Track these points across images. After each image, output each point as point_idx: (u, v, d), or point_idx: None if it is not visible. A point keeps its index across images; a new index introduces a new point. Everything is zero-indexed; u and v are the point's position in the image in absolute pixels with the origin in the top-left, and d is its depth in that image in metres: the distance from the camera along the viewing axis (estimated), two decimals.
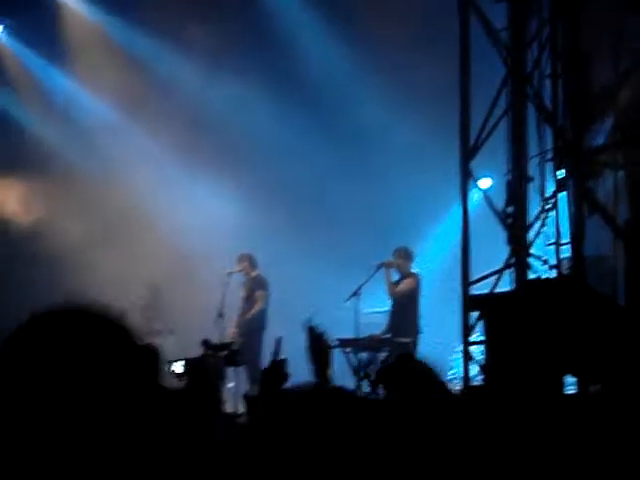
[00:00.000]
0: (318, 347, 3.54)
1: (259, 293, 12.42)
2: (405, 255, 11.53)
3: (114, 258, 13.77)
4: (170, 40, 14.27)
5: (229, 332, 12.26)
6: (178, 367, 8.76)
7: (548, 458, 5.59)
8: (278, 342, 4.04)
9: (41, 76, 15.23)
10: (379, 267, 11.35)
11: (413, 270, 11.50)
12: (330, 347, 3.55)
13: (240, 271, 12.60)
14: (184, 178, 14.66)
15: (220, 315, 11.97)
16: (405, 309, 11.25)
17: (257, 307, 12.35)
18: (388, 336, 11.18)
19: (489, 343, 7.34)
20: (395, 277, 11.61)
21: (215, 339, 10.28)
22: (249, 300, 12.51)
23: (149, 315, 13.53)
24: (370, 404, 1.87)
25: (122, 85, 14.36)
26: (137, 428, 1.49)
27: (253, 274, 12.62)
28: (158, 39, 14.43)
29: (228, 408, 9.74)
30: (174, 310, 13.84)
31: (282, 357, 3.84)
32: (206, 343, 9.31)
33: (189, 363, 8.54)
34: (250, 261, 12.66)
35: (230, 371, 10.89)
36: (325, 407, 1.85)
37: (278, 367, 3.65)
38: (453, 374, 13.56)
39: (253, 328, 12.30)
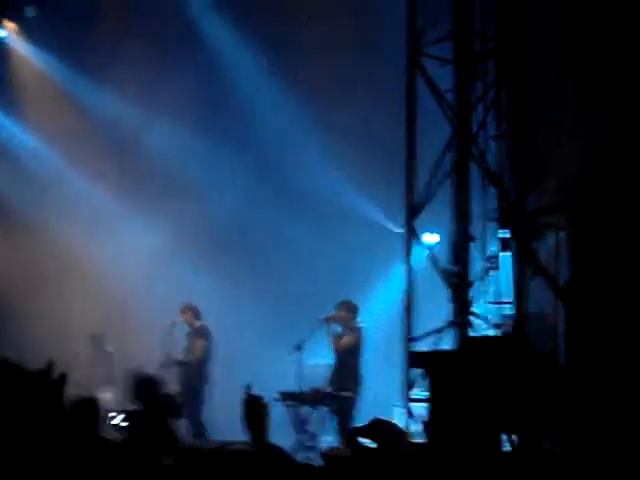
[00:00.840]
0: (254, 413, 3.54)
1: (199, 342, 12.29)
2: (348, 309, 11.47)
3: (53, 307, 13.60)
4: (112, 83, 14.30)
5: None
6: (118, 419, 8.66)
7: None
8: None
9: None
10: (322, 321, 11.32)
11: (357, 324, 11.46)
12: (266, 411, 3.53)
13: (185, 322, 12.49)
14: (122, 221, 14.57)
15: (162, 365, 11.85)
16: (347, 363, 11.20)
17: (193, 356, 12.20)
18: (329, 390, 11.12)
19: (432, 400, 7.38)
20: (339, 330, 11.56)
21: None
22: (190, 350, 12.39)
23: (91, 365, 13.36)
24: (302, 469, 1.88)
25: (64, 128, 14.30)
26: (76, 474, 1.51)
27: (197, 324, 12.51)
28: (100, 82, 14.44)
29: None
30: (117, 360, 13.67)
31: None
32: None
33: (130, 415, 8.44)
34: (193, 311, 12.55)
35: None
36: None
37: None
38: None
39: (191, 377, 12.15)
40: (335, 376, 11.27)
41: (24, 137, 15.04)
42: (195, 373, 12.15)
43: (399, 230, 11.94)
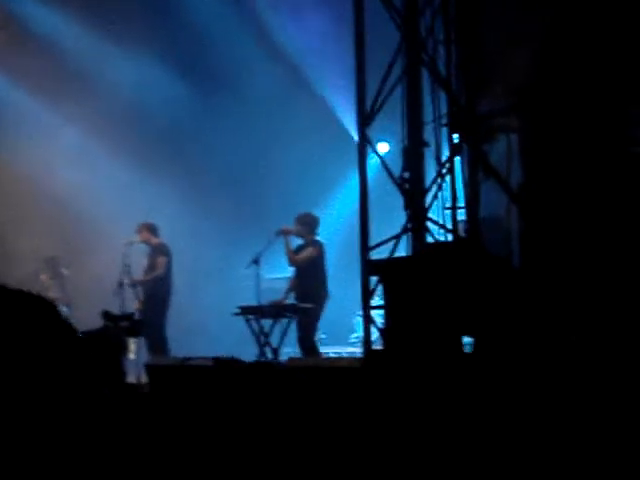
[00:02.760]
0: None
1: (159, 260, 12.27)
2: (307, 222, 11.47)
3: (8, 230, 13.54)
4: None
5: (135, 303, 12.12)
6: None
7: (448, 413, 5.73)
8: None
9: None
10: (278, 234, 11.32)
11: (316, 238, 11.46)
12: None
13: (142, 241, 12.45)
14: (80, 145, 14.45)
15: (120, 285, 11.85)
16: (308, 276, 11.24)
17: (155, 273, 12.19)
18: (291, 302, 11.20)
19: (388, 307, 7.45)
20: (298, 243, 11.58)
21: (116, 310, 10.17)
22: (151, 269, 12.37)
23: (47, 287, 13.33)
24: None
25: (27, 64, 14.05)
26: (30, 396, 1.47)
27: (154, 242, 12.47)
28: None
29: (130, 379, 9.68)
30: (74, 282, 13.67)
31: None
32: (106, 314, 9.20)
33: (89, 335, 8.44)
34: (150, 229, 12.48)
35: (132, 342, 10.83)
36: None
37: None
38: (356, 337, 13.75)
39: (152, 295, 12.16)
40: (297, 289, 11.33)
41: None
42: (157, 290, 12.16)
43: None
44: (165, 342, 11.96)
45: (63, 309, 12.48)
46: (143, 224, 12.47)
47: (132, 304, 11.71)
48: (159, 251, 12.34)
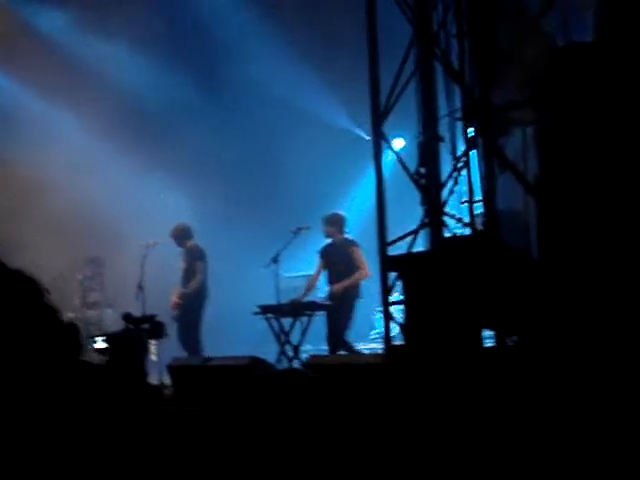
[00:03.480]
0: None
1: (197, 264, 12.33)
2: (335, 221, 11.66)
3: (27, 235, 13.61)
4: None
5: (171, 301, 12.22)
6: (100, 343, 8.71)
7: (469, 408, 5.73)
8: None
9: None
10: (296, 232, 11.40)
11: (347, 236, 11.64)
12: None
13: (177, 244, 12.50)
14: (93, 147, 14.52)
15: (140, 287, 11.90)
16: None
17: (196, 279, 12.25)
18: (310, 300, 11.30)
19: (407, 303, 7.44)
20: (326, 242, 11.75)
21: (138, 312, 10.23)
22: (188, 271, 12.42)
23: (88, 288, 13.41)
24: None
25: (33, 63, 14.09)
26: (55, 401, 1.46)
27: (189, 244, 12.53)
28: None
29: (152, 380, 9.73)
30: (115, 284, 13.74)
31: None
32: (127, 317, 9.26)
33: (110, 338, 8.50)
34: (184, 232, 12.55)
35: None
36: None
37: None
38: (376, 333, 13.76)
39: (194, 299, 12.23)
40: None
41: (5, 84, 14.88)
42: (196, 294, 12.21)
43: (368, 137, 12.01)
44: (200, 344, 12.04)
45: (107, 311, 12.53)
46: (177, 226, 12.52)
47: (153, 307, 11.74)
48: (195, 255, 12.40)
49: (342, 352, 10.91)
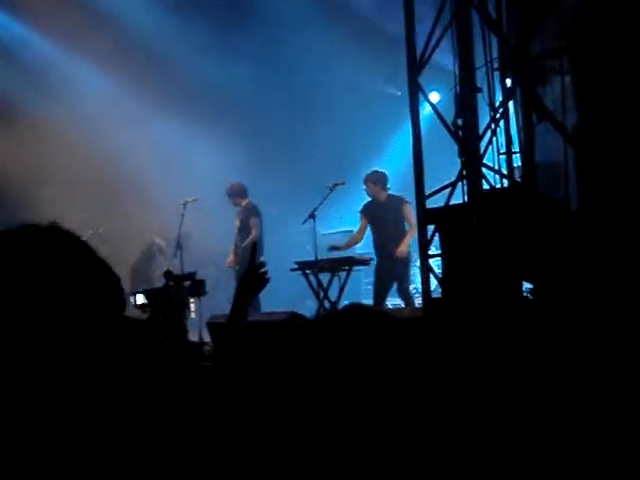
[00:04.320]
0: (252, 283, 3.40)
1: (252, 220, 12.39)
2: (378, 179, 11.72)
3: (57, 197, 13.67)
4: None
5: (228, 260, 12.30)
6: (140, 299, 8.75)
7: (512, 361, 5.70)
8: (253, 247, 3.92)
9: None
10: (332, 188, 11.39)
11: (390, 192, 11.69)
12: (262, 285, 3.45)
13: (233, 203, 12.54)
14: (134, 111, 14.53)
15: (179, 245, 11.95)
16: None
17: (253, 234, 12.28)
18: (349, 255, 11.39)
19: (446, 255, 7.41)
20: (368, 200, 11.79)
21: (176, 270, 10.27)
22: (243, 229, 12.47)
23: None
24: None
25: (67, 23, 14.07)
26: (100, 355, 1.44)
27: (244, 203, 12.58)
28: None
29: (192, 337, 9.79)
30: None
31: (259, 261, 3.72)
32: (168, 274, 9.30)
33: (151, 294, 8.54)
34: (239, 190, 12.60)
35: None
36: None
37: (256, 271, 3.54)
38: (413, 288, 13.74)
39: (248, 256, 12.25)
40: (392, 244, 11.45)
41: (26, 35, 14.85)
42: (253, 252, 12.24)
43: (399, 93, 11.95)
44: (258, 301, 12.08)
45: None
46: (234, 185, 12.55)
47: (191, 264, 11.78)
48: (250, 212, 12.43)
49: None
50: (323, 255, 11.15)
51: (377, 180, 11.61)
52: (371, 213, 11.67)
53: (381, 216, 11.51)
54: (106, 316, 1.49)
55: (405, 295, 11.50)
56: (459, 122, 7.72)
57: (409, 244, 11.32)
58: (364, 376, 1.63)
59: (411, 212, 11.20)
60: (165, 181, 14.06)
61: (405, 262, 11.43)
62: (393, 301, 12.84)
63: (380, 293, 11.35)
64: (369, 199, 11.76)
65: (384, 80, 15.18)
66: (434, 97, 12.80)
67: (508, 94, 7.59)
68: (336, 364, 1.65)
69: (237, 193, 12.53)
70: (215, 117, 14.66)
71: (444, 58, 8.11)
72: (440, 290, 8.03)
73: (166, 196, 13.32)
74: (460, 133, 7.70)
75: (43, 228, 1.53)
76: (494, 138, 7.72)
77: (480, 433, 4.26)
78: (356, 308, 1.92)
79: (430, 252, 8.11)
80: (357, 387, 1.62)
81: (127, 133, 14.37)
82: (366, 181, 11.65)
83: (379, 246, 11.58)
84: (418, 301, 12.59)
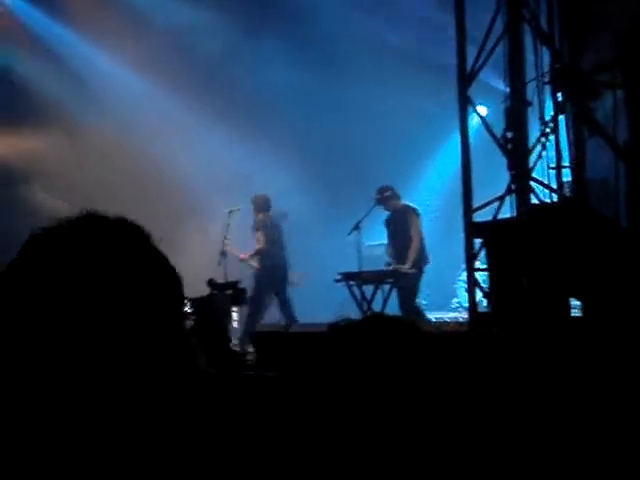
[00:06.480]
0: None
1: (257, 234, 12.33)
2: (390, 193, 11.61)
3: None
4: None
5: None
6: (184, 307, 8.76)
7: (557, 379, 5.62)
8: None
9: (39, 29, 15.01)
10: (378, 202, 11.43)
11: (406, 203, 11.61)
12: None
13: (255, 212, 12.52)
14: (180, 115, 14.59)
15: (223, 254, 11.95)
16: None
17: (255, 249, 12.23)
18: (391, 268, 11.22)
19: (493, 270, 7.34)
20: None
21: (220, 278, 10.28)
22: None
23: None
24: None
25: (120, 33, 14.18)
26: (145, 360, 1.40)
27: (260, 216, 12.49)
28: None
29: (235, 346, 9.80)
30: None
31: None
32: (212, 282, 9.32)
33: (195, 302, 8.55)
34: (264, 203, 12.51)
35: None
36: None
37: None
38: (457, 302, 13.65)
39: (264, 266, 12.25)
40: (401, 255, 11.34)
41: (75, 43, 15.00)
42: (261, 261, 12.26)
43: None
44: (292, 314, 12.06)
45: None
46: (260, 196, 12.46)
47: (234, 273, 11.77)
48: (257, 226, 12.40)
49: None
50: (368, 266, 11.10)
51: (388, 193, 11.63)
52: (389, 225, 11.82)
53: (393, 228, 11.64)
54: (165, 320, 1.45)
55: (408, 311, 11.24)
56: (508, 135, 7.65)
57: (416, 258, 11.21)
58: (379, 385, 1.59)
59: (416, 224, 11.25)
60: (211, 190, 14.08)
61: (412, 275, 11.18)
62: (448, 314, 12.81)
63: (403, 306, 11.16)
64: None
65: (427, 95, 15.11)
66: (482, 111, 12.75)
67: (559, 108, 7.52)
68: (351, 372, 1.62)
69: (260, 205, 12.40)
70: (263, 131, 14.64)
71: (491, 74, 8.07)
72: (486, 304, 7.95)
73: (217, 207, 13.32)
74: (509, 146, 7.63)
75: (113, 220, 1.48)
76: (544, 152, 7.64)
77: (509, 450, 4.21)
78: (377, 316, 1.90)
79: (476, 266, 8.04)
80: (372, 396, 1.59)
81: (175, 141, 14.44)
82: (380, 194, 11.63)
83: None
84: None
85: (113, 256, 1.34)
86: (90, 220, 1.39)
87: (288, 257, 12.30)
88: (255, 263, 12.17)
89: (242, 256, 12.20)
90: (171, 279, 1.40)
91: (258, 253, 12.16)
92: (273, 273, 12.10)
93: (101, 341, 1.31)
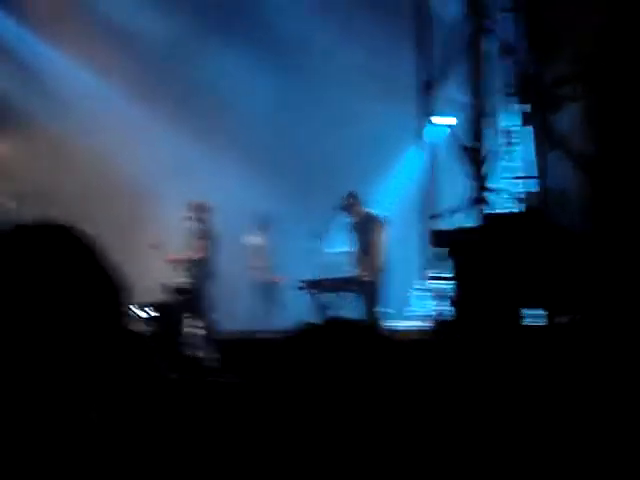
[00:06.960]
0: None
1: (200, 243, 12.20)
2: (355, 200, 11.60)
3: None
4: None
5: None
6: (142, 311, 8.64)
7: (514, 386, 5.69)
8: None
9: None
10: (342, 209, 11.41)
11: (369, 210, 11.60)
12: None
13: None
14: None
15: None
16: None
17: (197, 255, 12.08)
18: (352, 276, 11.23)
19: (456, 278, 7.40)
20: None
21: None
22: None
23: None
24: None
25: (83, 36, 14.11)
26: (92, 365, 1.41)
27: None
28: None
29: (198, 353, 9.77)
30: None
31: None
32: (166, 287, 9.24)
33: (157, 308, 8.50)
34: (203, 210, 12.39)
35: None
36: None
37: None
38: (411, 311, 13.67)
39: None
40: (366, 264, 11.35)
41: (43, 51, 14.88)
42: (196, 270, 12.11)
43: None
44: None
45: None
46: (201, 204, 12.37)
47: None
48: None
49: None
50: (328, 274, 11.10)
51: (355, 200, 11.63)
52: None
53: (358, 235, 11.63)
54: (98, 325, 1.46)
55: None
56: (471, 145, 7.74)
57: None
58: (337, 389, 1.61)
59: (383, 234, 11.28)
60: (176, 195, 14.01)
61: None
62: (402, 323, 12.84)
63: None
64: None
65: (392, 101, 15.15)
66: (447, 120, 12.80)
67: (523, 119, 7.61)
68: (309, 376, 1.64)
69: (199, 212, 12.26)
70: (224, 130, 14.58)
71: (460, 80, 8.13)
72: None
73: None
74: (472, 156, 7.71)
75: (54, 226, 1.50)
76: (507, 163, 7.74)
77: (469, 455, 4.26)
78: (335, 320, 1.91)
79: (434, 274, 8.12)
80: (330, 400, 1.61)
81: (141, 148, 14.35)
82: (346, 201, 11.60)
83: None
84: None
85: (36, 265, 1.36)
86: (20, 230, 1.41)
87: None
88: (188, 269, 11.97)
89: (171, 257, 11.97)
90: (104, 286, 1.41)
91: (205, 261, 11.96)
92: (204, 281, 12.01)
93: (24, 344, 1.33)
